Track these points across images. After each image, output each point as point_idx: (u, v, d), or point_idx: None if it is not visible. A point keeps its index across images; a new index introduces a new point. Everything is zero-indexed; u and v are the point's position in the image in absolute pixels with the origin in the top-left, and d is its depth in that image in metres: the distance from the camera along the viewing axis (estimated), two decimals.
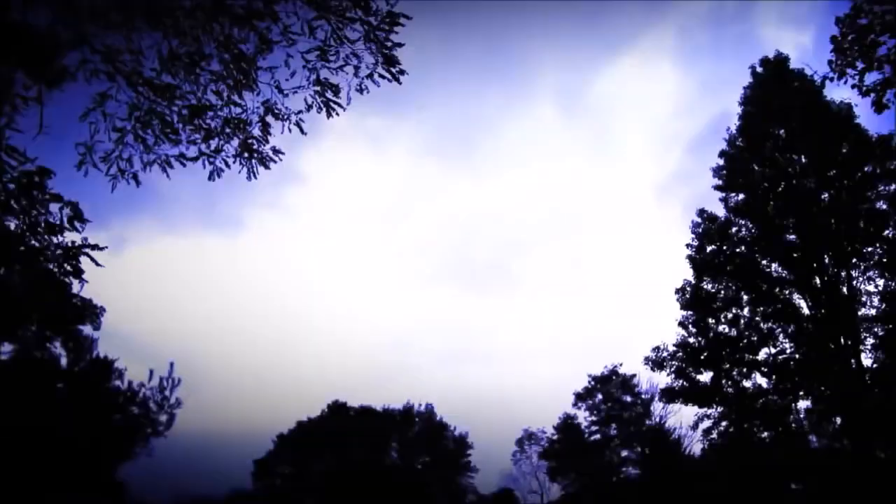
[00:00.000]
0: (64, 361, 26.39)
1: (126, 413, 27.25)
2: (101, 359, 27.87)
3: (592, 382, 42.20)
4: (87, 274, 7.45)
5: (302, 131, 6.79)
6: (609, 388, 41.78)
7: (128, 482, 27.53)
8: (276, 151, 7.13)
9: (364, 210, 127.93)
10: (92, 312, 28.84)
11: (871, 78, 10.65)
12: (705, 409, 22.89)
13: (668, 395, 24.20)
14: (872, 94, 10.76)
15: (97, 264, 6.80)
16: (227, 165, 7.11)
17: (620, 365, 41.72)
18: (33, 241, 7.36)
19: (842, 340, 20.64)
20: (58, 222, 7.13)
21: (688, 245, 23.80)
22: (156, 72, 7.12)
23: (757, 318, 22.40)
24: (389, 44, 6.36)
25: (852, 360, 20.26)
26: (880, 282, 21.12)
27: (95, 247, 6.82)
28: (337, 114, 6.55)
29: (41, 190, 7.09)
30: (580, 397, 42.41)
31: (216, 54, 6.97)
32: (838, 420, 21.20)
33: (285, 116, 6.84)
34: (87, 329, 27.10)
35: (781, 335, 22.13)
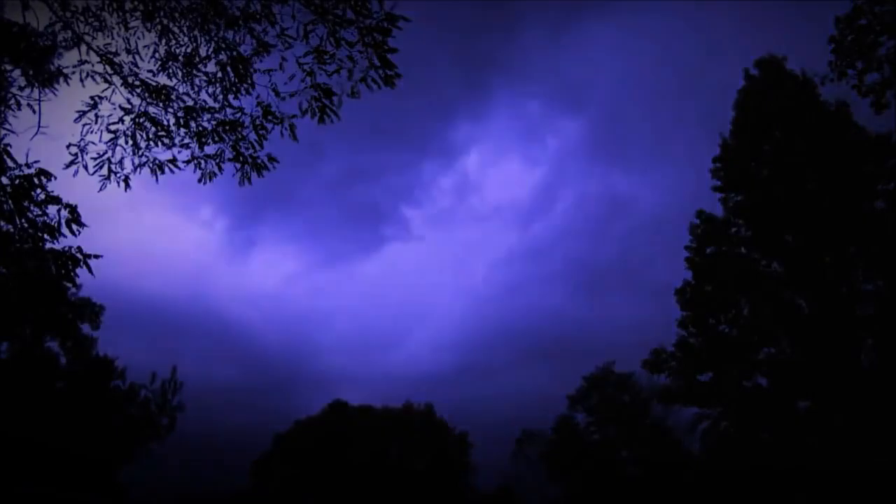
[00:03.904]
0: (63, 361, 26.34)
1: (126, 414, 27.17)
2: (101, 358, 27.80)
3: (587, 384, 41.82)
4: (87, 274, 7.35)
5: (294, 137, 6.72)
6: (605, 389, 41.42)
7: (128, 484, 27.48)
8: (271, 159, 7.08)
9: (360, 210, 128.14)
10: (91, 311, 28.76)
11: (871, 78, 10.63)
12: (705, 409, 22.88)
13: (668, 395, 24.16)
14: (872, 94, 10.75)
15: (90, 273, 6.65)
16: (220, 170, 7.06)
17: (613, 363, 41.40)
18: (30, 243, 7.30)
19: (842, 340, 20.59)
20: (55, 224, 7.05)
21: (687, 246, 23.76)
22: (151, 73, 7.09)
23: (757, 319, 22.34)
24: (386, 47, 6.27)
25: (852, 360, 20.21)
26: (880, 282, 21.07)
27: (90, 256, 6.70)
28: (332, 120, 6.47)
29: (40, 192, 7.05)
30: (574, 400, 42.03)
31: (212, 56, 6.93)
32: (838, 420, 21.14)
33: (280, 120, 6.77)
34: (86, 328, 27.11)
35: (781, 335, 22.06)
